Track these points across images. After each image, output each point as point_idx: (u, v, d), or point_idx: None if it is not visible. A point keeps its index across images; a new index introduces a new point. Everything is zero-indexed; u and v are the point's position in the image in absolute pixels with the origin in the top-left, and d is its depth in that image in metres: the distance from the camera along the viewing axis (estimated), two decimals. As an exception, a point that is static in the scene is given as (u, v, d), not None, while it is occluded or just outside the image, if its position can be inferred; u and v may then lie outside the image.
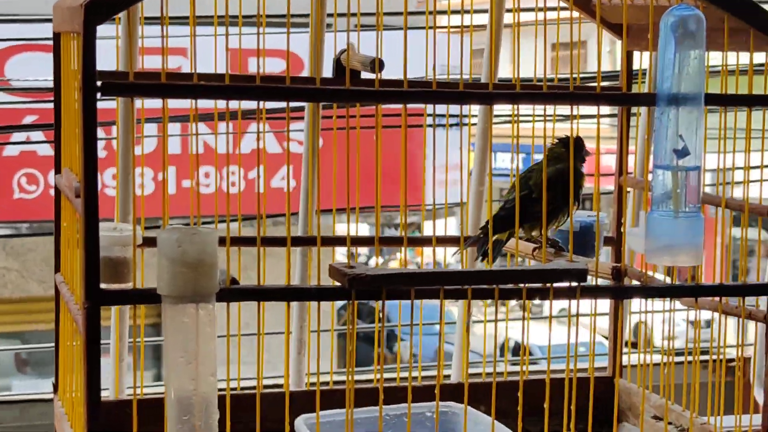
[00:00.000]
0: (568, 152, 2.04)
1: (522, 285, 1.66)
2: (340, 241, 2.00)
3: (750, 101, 1.76)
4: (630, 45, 2.09)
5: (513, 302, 2.16)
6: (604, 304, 2.24)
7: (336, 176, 1.80)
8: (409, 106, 1.69)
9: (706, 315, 2.07)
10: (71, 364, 1.76)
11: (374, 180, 1.61)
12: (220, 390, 1.58)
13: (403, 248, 2.03)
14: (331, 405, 1.93)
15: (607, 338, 2.26)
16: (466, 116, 2.42)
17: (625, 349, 2.31)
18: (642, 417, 1.83)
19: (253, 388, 2.05)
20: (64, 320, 1.87)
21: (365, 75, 1.97)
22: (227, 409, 1.59)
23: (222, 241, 1.57)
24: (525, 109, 1.89)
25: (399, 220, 2.19)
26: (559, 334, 1.99)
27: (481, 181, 2.31)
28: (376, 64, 1.76)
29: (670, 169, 1.70)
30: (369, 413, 1.91)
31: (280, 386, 2.23)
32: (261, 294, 1.59)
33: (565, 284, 1.68)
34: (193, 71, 1.61)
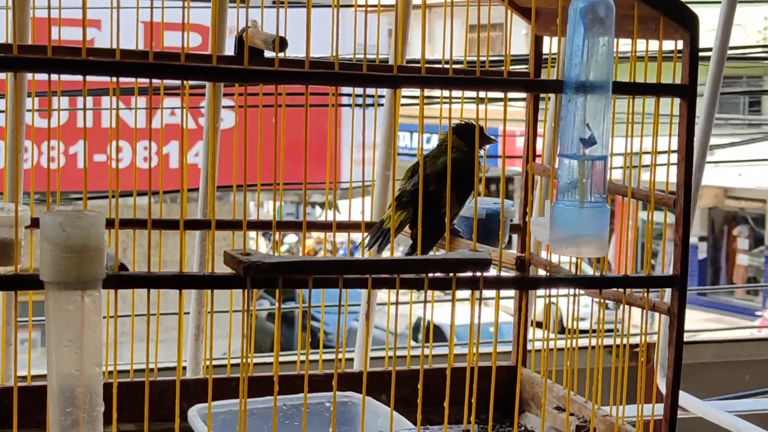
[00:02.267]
0: (464, 140, 2.01)
1: (424, 275, 1.62)
2: (235, 225, 1.93)
3: (658, 90, 1.73)
4: (540, 30, 2.05)
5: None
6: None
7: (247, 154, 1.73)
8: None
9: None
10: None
11: (287, 158, 1.57)
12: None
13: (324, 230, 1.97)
14: (231, 394, 1.88)
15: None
16: (382, 96, 2.36)
17: (531, 334, 2.28)
18: (544, 408, 1.80)
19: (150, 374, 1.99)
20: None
21: (270, 54, 1.90)
22: (114, 400, 1.52)
23: (110, 224, 1.50)
24: (434, 90, 1.84)
25: (315, 198, 2.11)
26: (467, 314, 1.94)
27: (387, 165, 2.26)
28: (277, 43, 1.69)
29: (577, 158, 1.66)
30: (267, 403, 1.85)
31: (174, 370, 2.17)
32: (150, 281, 1.52)
33: (469, 274, 1.64)
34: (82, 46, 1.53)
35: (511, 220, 2.09)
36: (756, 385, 4.16)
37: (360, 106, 2.01)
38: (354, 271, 1.60)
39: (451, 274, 1.63)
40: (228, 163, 2.00)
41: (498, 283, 1.67)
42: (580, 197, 1.67)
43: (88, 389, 1.46)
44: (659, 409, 1.84)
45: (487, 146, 2.03)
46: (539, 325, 2.38)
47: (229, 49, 2.07)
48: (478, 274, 1.62)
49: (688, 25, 1.70)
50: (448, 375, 1.66)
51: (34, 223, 1.86)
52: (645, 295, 1.78)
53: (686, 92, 1.71)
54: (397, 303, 1.65)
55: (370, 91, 2.20)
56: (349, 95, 1.95)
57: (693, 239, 18.89)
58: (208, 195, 1.99)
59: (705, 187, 18.33)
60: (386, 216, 2.04)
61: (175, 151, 9.10)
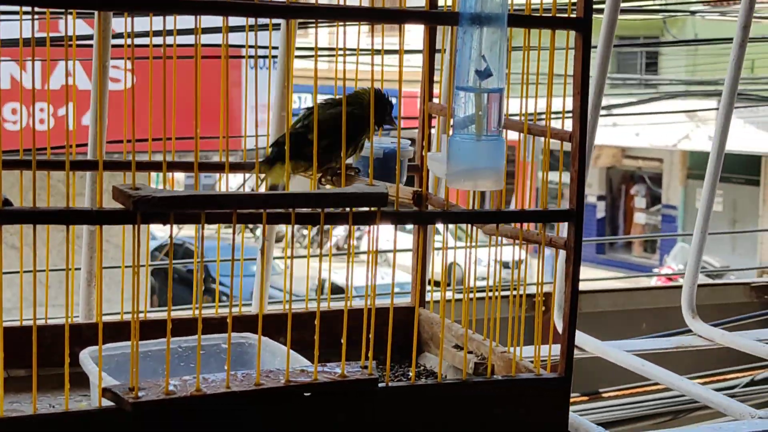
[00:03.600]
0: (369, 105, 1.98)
1: (320, 210, 1.59)
2: (125, 165, 1.87)
3: (553, 23, 1.72)
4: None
5: (332, 243, 2.11)
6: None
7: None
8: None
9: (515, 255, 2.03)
10: None
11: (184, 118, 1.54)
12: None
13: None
14: (126, 339, 1.83)
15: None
16: (276, 47, 2.32)
17: (436, 287, 2.28)
18: (441, 346, 1.79)
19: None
20: None
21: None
22: (-1, 339, 1.47)
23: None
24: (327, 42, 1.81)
25: (216, 159, 2.07)
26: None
27: (282, 106, 2.22)
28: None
29: (472, 90, 1.65)
30: (160, 345, 1.82)
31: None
32: (36, 216, 1.47)
33: (365, 209, 1.62)
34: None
35: (409, 160, 2.08)
36: (652, 332, 4.23)
37: (252, 57, 1.97)
38: (248, 206, 1.56)
39: (347, 210, 1.61)
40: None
41: (395, 217, 1.65)
42: (477, 130, 1.66)
43: (-29, 328, 1.41)
44: (557, 349, 1.85)
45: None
46: (438, 284, 2.36)
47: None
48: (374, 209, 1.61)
49: (583, -43, 1.69)
50: (345, 310, 1.65)
51: None
52: (541, 230, 1.78)
53: (581, 25, 1.71)
54: (293, 255, 1.62)
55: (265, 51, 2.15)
56: (242, 46, 1.89)
57: (591, 198, 19.18)
58: (97, 133, 1.94)
59: (603, 146, 18.61)
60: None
61: (70, 113, 8.91)
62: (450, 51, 2.09)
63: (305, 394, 1.62)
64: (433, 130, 2.08)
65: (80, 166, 1.88)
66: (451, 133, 1.69)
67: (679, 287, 3.04)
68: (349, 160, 2.11)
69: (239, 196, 1.57)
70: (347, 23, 1.76)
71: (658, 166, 18.92)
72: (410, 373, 2.03)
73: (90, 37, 2.13)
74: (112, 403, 1.55)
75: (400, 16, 1.67)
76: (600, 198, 19.41)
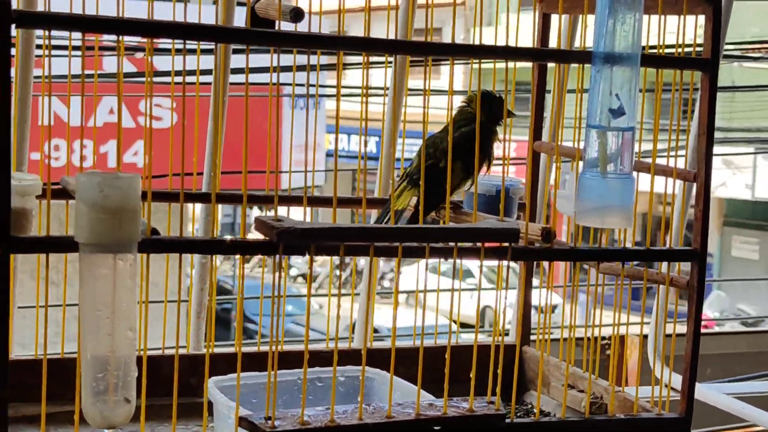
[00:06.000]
0: (485, 110, 1.98)
1: (452, 244, 1.60)
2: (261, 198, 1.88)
3: (682, 63, 1.73)
4: (548, 8, 2.05)
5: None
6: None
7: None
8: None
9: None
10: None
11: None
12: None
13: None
14: (228, 370, 1.84)
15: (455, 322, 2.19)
16: (323, 95, 2.34)
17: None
18: (566, 383, 1.79)
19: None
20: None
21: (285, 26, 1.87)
22: (144, 368, 1.48)
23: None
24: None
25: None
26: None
27: (391, 143, 2.24)
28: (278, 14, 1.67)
29: (604, 129, 1.66)
30: (280, 377, 1.82)
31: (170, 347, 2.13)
32: (185, 246, 1.49)
33: (495, 245, 1.63)
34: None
35: (520, 198, 2.08)
36: (718, 377, 4.21)
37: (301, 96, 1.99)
38: (385, 239, 1.58)
39: (479, 245, 1.62)
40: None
41: (526, 254, 1.65)
42: (608, 168, 1.67)
43: (120, 354, 1.43)
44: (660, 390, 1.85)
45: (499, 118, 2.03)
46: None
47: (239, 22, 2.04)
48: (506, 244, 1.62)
49: (712, -1, 1.71)
50: (475, 345, 1.65)
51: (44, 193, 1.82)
52: (666, 269, 1.78)
53: (708, 66, 1.72)
54: (426, 289, 1.63)
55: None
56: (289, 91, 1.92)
57: (628, 244, 19.09)
58: (215, 167, 1.96)
59: (641, 192, 18.58)
60: (397, 194, 2.03)
61: (113, 150, 8.98)
62: (558, 91, 2.10)
63: (435, 427, 1.63)
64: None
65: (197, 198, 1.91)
66: (581, 170, 1.70)
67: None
68: (456, 197, 2.12)
69: (378, 230, 1.59)
70: (457, 57, 1.76)
71: (693, 213, 18.83)
72: (522, 410, 2.04)
73: (132, 74, 2.11)
74: (246, 433, 1.55)
75: (531, 55, 1.68)
76: (638, 244, 19.34)
